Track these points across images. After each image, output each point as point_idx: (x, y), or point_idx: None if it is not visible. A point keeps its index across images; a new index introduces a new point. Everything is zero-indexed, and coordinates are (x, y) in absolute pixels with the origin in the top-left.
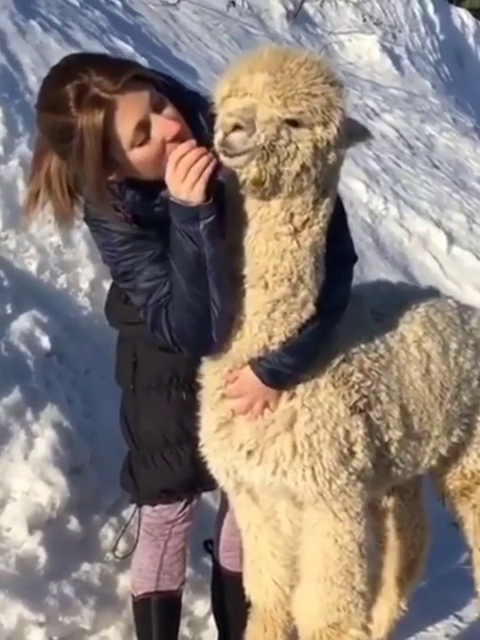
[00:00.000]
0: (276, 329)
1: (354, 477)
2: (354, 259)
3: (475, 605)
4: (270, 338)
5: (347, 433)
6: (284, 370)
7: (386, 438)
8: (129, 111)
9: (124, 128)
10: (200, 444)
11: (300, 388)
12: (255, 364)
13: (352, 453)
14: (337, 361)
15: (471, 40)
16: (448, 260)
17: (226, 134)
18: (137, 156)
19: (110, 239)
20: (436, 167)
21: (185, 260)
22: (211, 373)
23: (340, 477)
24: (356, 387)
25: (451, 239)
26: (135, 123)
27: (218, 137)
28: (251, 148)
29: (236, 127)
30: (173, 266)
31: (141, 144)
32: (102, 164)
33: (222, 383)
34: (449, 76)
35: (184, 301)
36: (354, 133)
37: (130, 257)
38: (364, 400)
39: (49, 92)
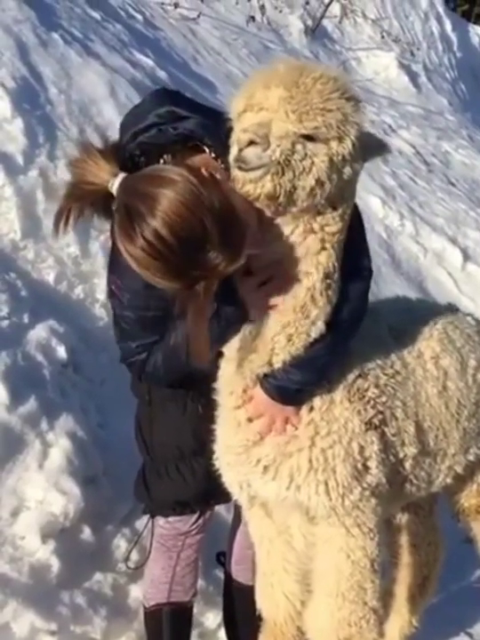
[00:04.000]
0: (279, 349)
1: (367, 493)
2: (370, 273)
3: None
4: (274, 356)
5: (361, 448)
6: (292, 386)
7: (401, 455)
8: None
9: None
10: (214, 457)
11: (316, 402)
12: (263, 381)
13: (366, 469)
14: (352, 376)
15: None
16: (463, 277)
17: (241, 150)
18: None
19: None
20: (452, 184)
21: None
22: (226, 393)
23: (353, 493)
24: (372, 402)
25: (466, 256)
26: None
27: (233, 152)
28: (265, 162)
29: (251, 142)
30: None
31: None
32: None
33: (239, 403)
34: (466, 93)
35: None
36: (372, 147)
37: (129, 313)
38: (380, 416)
39: None
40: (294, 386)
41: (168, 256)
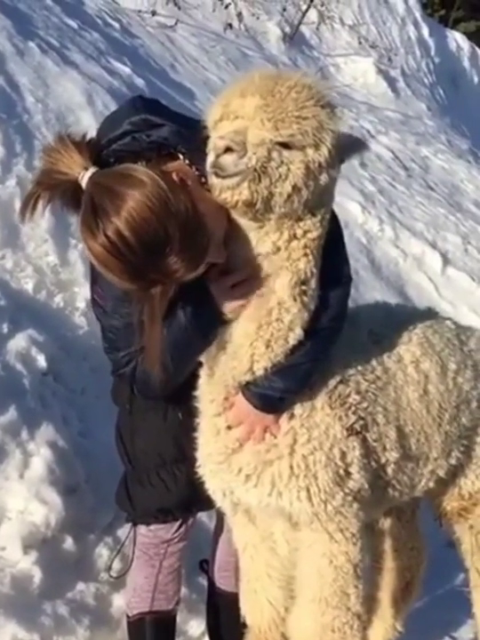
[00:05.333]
0: (258, 356)
1: (349, 498)
2: (349, 279)
3: (470, 626)
4: (254, 363)
5: (343, 454)
6: (274, 393)
7: (382, 460)
8: None
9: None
10: (197, 465)
11: (297, 409)
12: (245, 388)
13: (348, 474)
14: (334, 382)
15: (466, 63)
16: (443, 281)
17: (217, 156)
18: None
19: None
20: (432, 189)
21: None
22: (207, 400)
23: (335, 498)
24: (353, 408)
25: (446, 260)
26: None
27: (210, 159)
28: (242, 169)
29: (228, 149)
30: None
31: None
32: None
33: (220, 410)
34: (444, 98)
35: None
36: (349, 146)
37: (115, 321)
38: (361, 421)
39: None
40: (277, 394)
41: (127, 256)
